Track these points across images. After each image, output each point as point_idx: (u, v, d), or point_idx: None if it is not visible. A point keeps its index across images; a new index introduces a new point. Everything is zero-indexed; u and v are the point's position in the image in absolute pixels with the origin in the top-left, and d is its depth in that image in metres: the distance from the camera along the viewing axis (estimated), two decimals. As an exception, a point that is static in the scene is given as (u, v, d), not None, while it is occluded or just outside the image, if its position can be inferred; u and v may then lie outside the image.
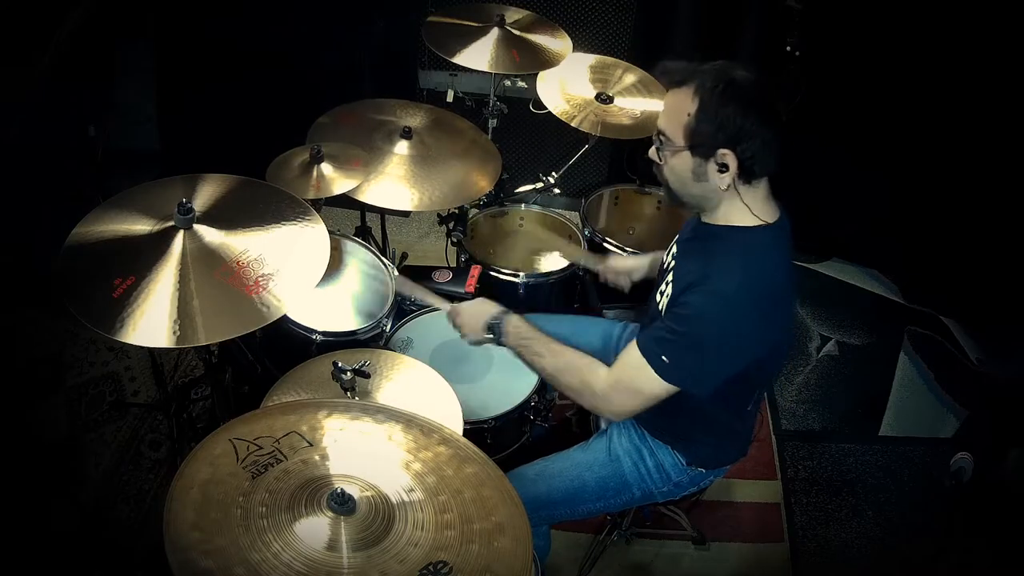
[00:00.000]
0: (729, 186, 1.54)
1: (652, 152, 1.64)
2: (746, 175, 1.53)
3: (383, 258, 2.30)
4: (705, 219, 1.65)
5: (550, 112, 2.51)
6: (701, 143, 1.52)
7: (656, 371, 1.55)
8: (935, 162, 3.05)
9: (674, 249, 1.78)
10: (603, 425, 2.01)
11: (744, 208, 1.57)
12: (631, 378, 1.60)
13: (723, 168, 1.52)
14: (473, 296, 2.32)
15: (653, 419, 1.82)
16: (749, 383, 1.71)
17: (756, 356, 1.61)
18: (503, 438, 2.01)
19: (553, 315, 2.27)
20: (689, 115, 1.52)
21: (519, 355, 1.76)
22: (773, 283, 1.58)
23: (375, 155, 2.24)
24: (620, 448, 1.88)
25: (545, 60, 2.55)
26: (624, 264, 2.21)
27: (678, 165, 1.58)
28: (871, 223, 3.35)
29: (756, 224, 1.58)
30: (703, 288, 1.55)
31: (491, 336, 1.77)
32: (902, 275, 3.44)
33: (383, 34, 3.24)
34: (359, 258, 2.33)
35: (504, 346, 1.77)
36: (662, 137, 1.60)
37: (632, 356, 1.59)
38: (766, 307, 1.56)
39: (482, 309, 1.80)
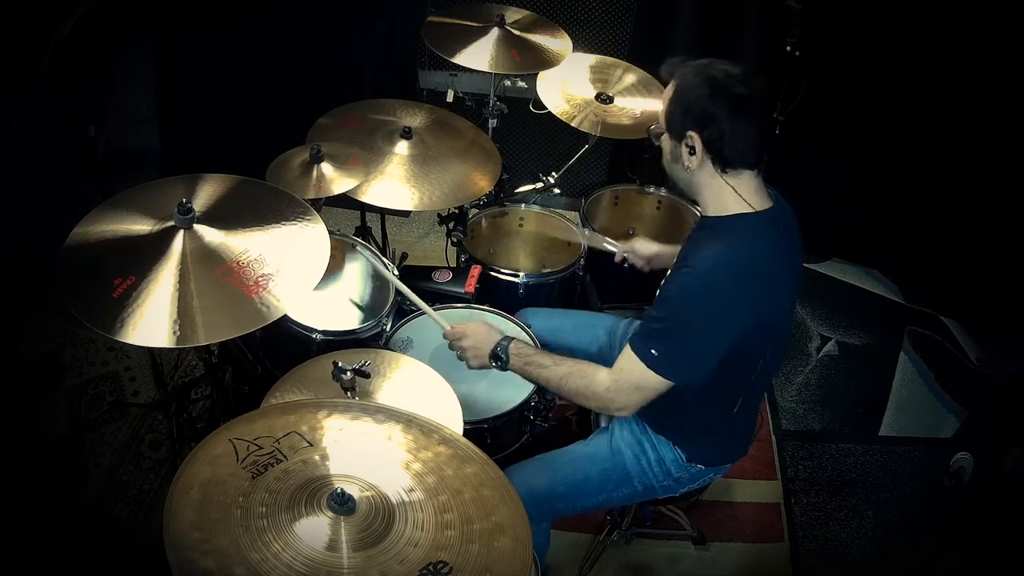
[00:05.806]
0: (698, 169, 1.62)
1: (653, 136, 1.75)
2: (721, 161, 1.60)
3: (383, 258, 2.29)
4: (703, 213, 1.72)
5: (550, 112, 2.51)
6: (673, 126, 1.63)
7: (649, 366, 1.60)
8: (936, 162, 3.05)
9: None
10: (603, 423, 2.01)
11: (731, 198, 1.62)
12: (628, 376, 1.65)
13: (692, 150, 1.60)
14: (473, 297, 2.32)
15: (654, 416, 1.84)
16: (733, 374, 1.69)
17: (736, 335, 1.60)
18: (503, 438, 2.01)
19: (558, 310, 2.28)
20: (668, 101, 1.64)
21: (524, 374, 1.81)
22: (753, 263, 1.60)
23: (375, 155, 2.24)
24: (622, 441, 1.90)
25: (545, 60, 2.55)
26: (650, 249, 2.27)
27: (665, 147, 1.69)
28: (871, 223, 3.35)
29: (742, 212, 1.62)
30: (680, 272, 1.64)
31: (496, 364, 1.81)
32: (902, 275, 3.44)
33: (383, 34, 3.24)
34: (359, 258, 2.33)
35: (506, 370, 1.81)
36: (656, 123, 1.72)
37: (627, 354, 1.65)
38: (743, 283, 1.57)
39: (486, 337, 1.84)
